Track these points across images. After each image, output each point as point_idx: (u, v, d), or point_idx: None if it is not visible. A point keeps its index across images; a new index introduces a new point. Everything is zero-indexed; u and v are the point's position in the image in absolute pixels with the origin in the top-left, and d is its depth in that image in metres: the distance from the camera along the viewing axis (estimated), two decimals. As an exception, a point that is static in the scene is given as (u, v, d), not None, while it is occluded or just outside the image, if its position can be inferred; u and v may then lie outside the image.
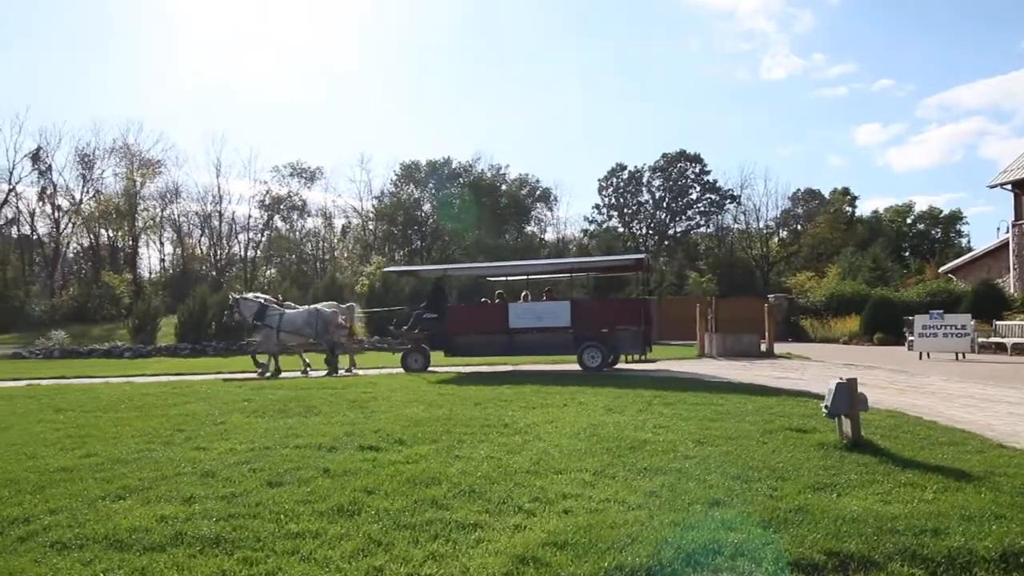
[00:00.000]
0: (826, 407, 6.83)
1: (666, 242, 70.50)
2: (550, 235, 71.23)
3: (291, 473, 5.74)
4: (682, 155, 69.69)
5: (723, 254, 65.38)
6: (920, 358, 17.45)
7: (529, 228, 71.54)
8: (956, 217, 64.30)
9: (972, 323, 17.53)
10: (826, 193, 68.27)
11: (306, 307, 17.95)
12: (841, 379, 6.79)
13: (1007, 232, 28.65)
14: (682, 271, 45.00)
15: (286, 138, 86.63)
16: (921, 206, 66.75)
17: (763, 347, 18.64)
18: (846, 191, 67.52)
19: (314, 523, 4.52)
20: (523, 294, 18.50)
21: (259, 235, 63.71)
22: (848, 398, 6.67)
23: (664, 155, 69.62)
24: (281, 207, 64.06)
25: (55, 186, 51.76)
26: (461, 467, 5.89)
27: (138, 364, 22.35)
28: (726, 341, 18.34)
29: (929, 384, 12.19)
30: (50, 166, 50.92)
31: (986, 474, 5.69)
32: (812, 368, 15.56)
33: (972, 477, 5.58)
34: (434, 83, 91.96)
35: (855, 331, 25.46)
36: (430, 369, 16.41)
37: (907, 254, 62.66)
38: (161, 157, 56.56)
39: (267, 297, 18.10)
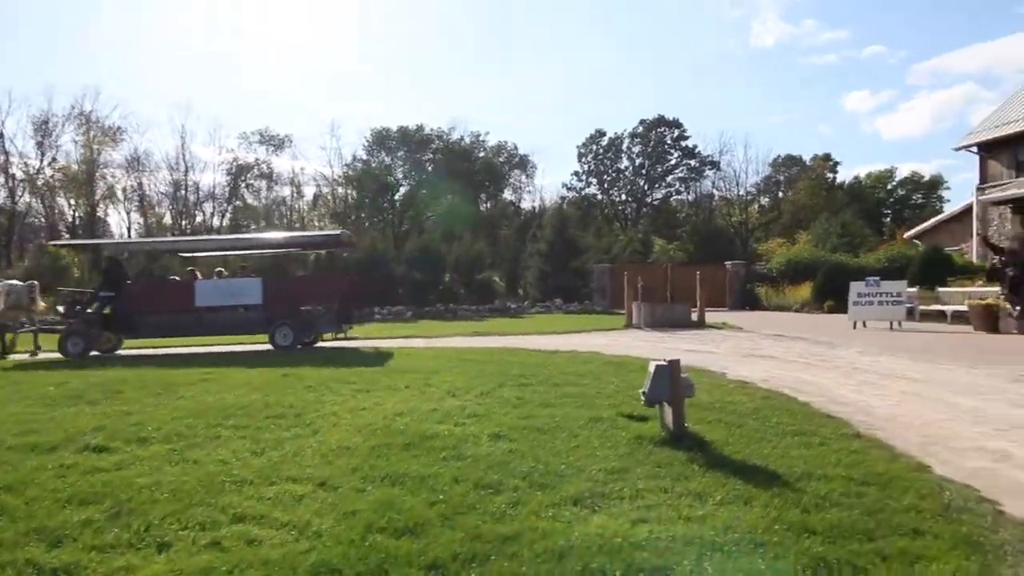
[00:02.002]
0: (644, 393, 5.80)
1: (644, 209, 69.37)
2: (527, 203, 70.02)
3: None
4: (660, 121, 68.27)
5: (701, 221, 64.21)
6: (854, 327, 16.46)
7: (507, 195, 70.36)
8: (937, 183, 63.24)
9: (912, 290, 16.52)
10: (808, 160, 67.01)
11: None
12: (663, 361, 5.75)
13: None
14: (647, 237, 43.79)
15: (253, 105, 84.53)
16: (904, 172, 65.52)
17: (695, 316, 17.64)
18: (827, 157, 66.25)
19: None
20: (216, 270, 17.51)
21: (225, 204, 62.33)
22: (669, 383, 5.64)
23: (642, 121, 68.16)
24: (248, 175, 62.62)
25: (7, 154, 50.12)
26: (176, 473, 4.87)
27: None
28: (655, 311, 17.30)
29: (842, 357, 11.21)
30: (1, 133, 49.20)
31: (798, 477, 4.70)
32: (733, 340, 14.56)
33: (778, 482, 4.59)
34: (409, 48, 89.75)
35: (808, 299, 24.50)
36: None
37: (887, 220, 61.67)
38: (122, 124, 54.83)
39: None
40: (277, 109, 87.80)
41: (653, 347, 13.28)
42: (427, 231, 47.63)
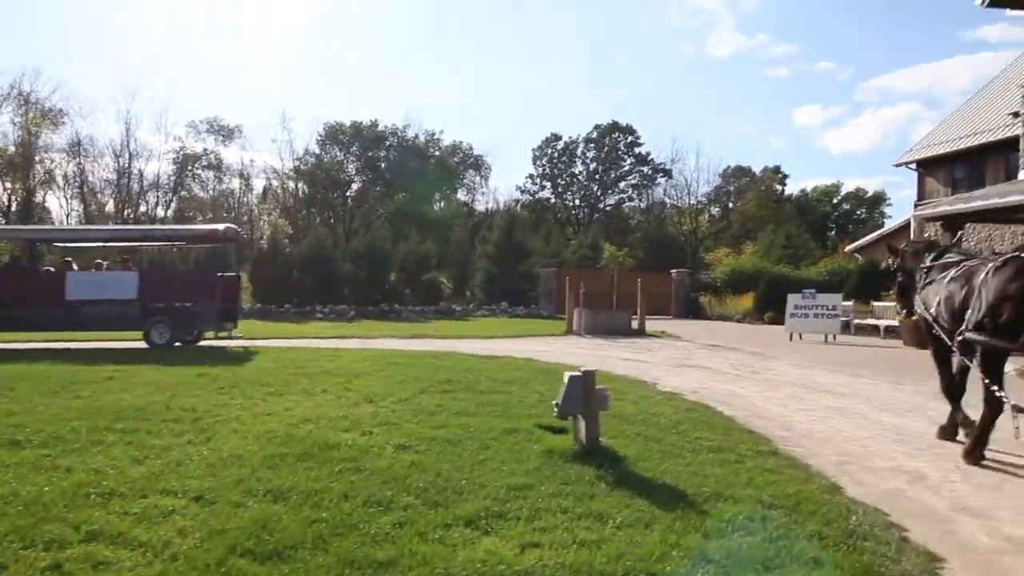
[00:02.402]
0: (557, 405, 5.58)
1: (597, 214, 69.69)
2: (481, 204, 69.76)
3: None
4: (615, 127, 68.73)
5: (653, 229, 64.71)
6: (791, 339, 16.60)
7: (461, 196, 69.96)
8: (880, 198, 64.89)
9: (847, 304, 16.73)
10: (758, 171, 68.15)
11: None
12: (577, 372, 5.53)
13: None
14: (596, 242, 43.84)
15: (202, 94, 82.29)
16: (850, 187, 67.11)
17: (635, 324, 17.58)
18: (777, 169, 67.47)
19: None
20: (95, 262, 16.89)
21: (171, 194, 60.63)
22: (582, 395, 5.42)
23: (596, 126, 68.52)
24: (196, 165, 61.01)
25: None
26: (39, 483, 4.47)
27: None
28: (595, 318, 17.19)
29: (772, 369, 11.21)
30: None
31: (707, 498, 4.52)
32: (670, 349, 14.52)
33: (685, 503, 4.39)
34: (364, 43, 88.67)
35: (749, 309, 24.75)
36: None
37: (832, 233, 63.00)
38: (63, 107, 52.83)
39: None
40: (228, 98, 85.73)
41: (588, 354, 13.13)
42: (378, 228, 46.91)
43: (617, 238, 60.30)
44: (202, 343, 14.90)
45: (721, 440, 6.23)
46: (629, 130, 68.25)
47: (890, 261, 7.82)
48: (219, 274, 15.34)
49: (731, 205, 67.72)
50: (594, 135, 68.92)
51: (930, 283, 6.77)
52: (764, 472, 5.22)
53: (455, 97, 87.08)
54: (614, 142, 69.05)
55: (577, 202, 70.82)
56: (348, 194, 63.34)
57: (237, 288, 16.45)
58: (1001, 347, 5.70)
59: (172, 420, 6.30)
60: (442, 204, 66.72)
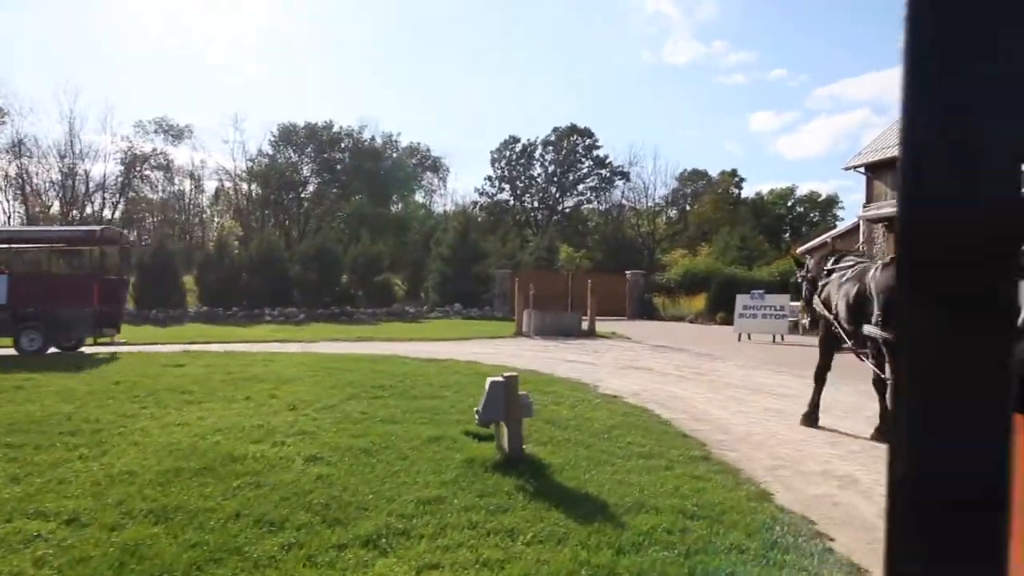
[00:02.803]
0: (477, 412, 5.30)
1: (556, 216, 69.67)
2: (439, 206, 69.30)
3: None
4: (573, 129, 68.82)
5: (611, 230, 64.93)
6: (739, 339, 16.59)
7: (418, 198, 69.40)
8: (833, 201, 65.95)
9: (795, 304, 16.77)
10: (715, 175, 68.84)
11: None
12: (501, 377, 5.26)
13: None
14: (552, 244, 43.77)
15: (150, 93, 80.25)
16: (804, 191, 68.13)
17: (585, 326, 17.41)
18: (734, 172, 68.24)
19: None
20: None
21: (118, 195, 58.99)
22: (504, 401, 5.15)
23: (555, 129, 68.52)
24: (144, 166, 59.46)
25: None
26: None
27: None
28: (545, 319, 16.96)
29: (717, 371, 11.08)
30: None
31: (628, 509, 4.28)
32: (618, 351, 14.34)
33: (604, 515, 4.15)
34: (318, 44, 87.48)
35: (702, 310, 24.81)
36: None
37: (787, 235, 63.88)
38: (2, 105, 51.06)
39: None
40: (178, 98, 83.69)
41: (534, 356, 12.88)
42: (329, 231, 46.16)
43: (576, 240, 60.46)
44: (140, 347, 14.32)
45: (653, 445, 6.02)
46: (587, 133, 68.39)
47: (798, 273, 8.27)
48: (99, 278, 14.48)
49: (688, 208, 68.28)
50: (552, 138, 68.89)
51: (827, 285, 7.34)
52: (692, 479, 5.01)
53: (413, 99, 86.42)
54: (572, 145, 69.10)
55: (536, 204, 70.71)
56: (303, 196, 62.44)
57: (120, 292, 15.62)
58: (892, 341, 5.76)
59: (69, 433, 5.86)
60: (400, 206, 66.14)
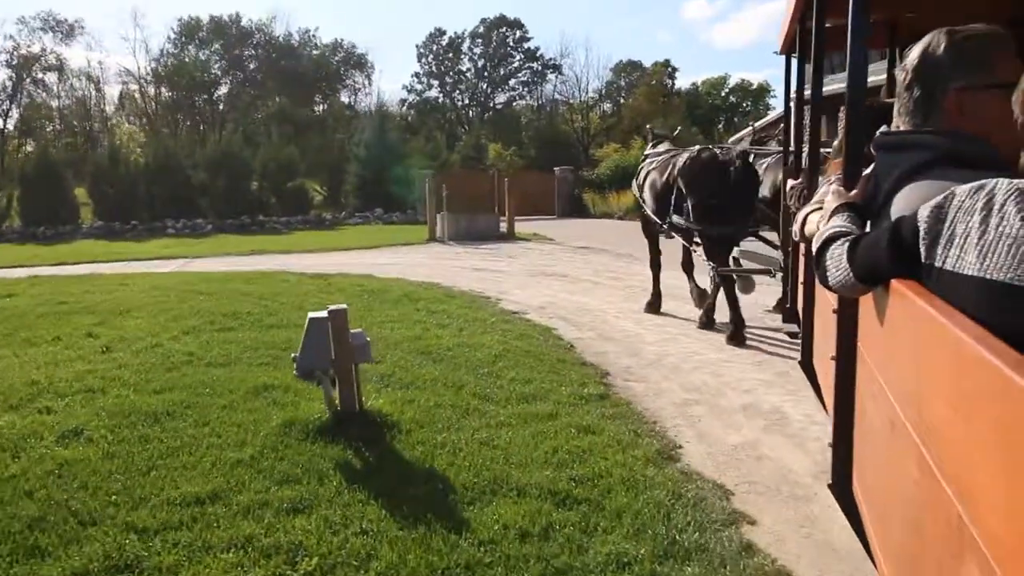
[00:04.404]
0: (295, 359, 4.00)
1: (488, 114, 67.01)
2: (365, 106, 65.65)
3: None
4: (502, 20, 65.45)
5: (544, 127, 62.79)
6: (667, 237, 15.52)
7: (343, 98, 65.50)
8: (765, 90, 64.73)
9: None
10: (648, 66, 66.69)
11: None
12: (326, 310, 3.92)
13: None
14: (479, 142, 41.79)
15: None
16: (736, 80, 66.71)
17: (504, 228, 16.09)
18: (667, 63, 66.05)
19: None
20: None
21: (8, 103, 53.92)
22: (327, 345, 3.84)
23: (483, 20, 65.07)
24: (35, 68, 54.22)
25: None
26: None
27: None
28: (460, 222, 15.55)
29: (636, 275, 9.91)
30: None
31: (482, 490, 3.11)
32: (534, 254, 13.08)
33: (443, 507, 2.97)
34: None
35: (631, 206, 23.67)
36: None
37: (720, 126, 62.85)
38: None
39: None
40: (72, -7, 75.92)
41: (438, 264, 11.57)
42: (248, 135, 42.97)
43: (510, 137, 58.29)
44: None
45: (542, 381, 4.85)
46: (517, 24, 65.22)
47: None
48: None
49: (622, 101, 66.36)
50: (481, 30, 65.44)
51: (641, 171, 7.57)
52: (579, 433, 3.86)
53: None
54: (502, 37, 65.78)
55: (466, 101, 67.80)
56: (216, 98, 58.25)
57: None
58: (695, 230, 6.39)
59: None
60: (324, 107, 62.48)
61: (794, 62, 4.95)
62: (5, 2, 78.45)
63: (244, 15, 57.46)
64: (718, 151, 6.49)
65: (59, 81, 55.75)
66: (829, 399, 2.22)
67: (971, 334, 0.88)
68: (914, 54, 1.56)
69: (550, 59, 64.47)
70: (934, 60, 1.51)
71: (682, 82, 66.50)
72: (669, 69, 66.10)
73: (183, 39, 56.06)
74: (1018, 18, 2.84)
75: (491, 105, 67.71)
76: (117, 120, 59.47)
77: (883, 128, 1.68)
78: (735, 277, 6.14)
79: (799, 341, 3.58)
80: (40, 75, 55.12)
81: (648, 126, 10.37)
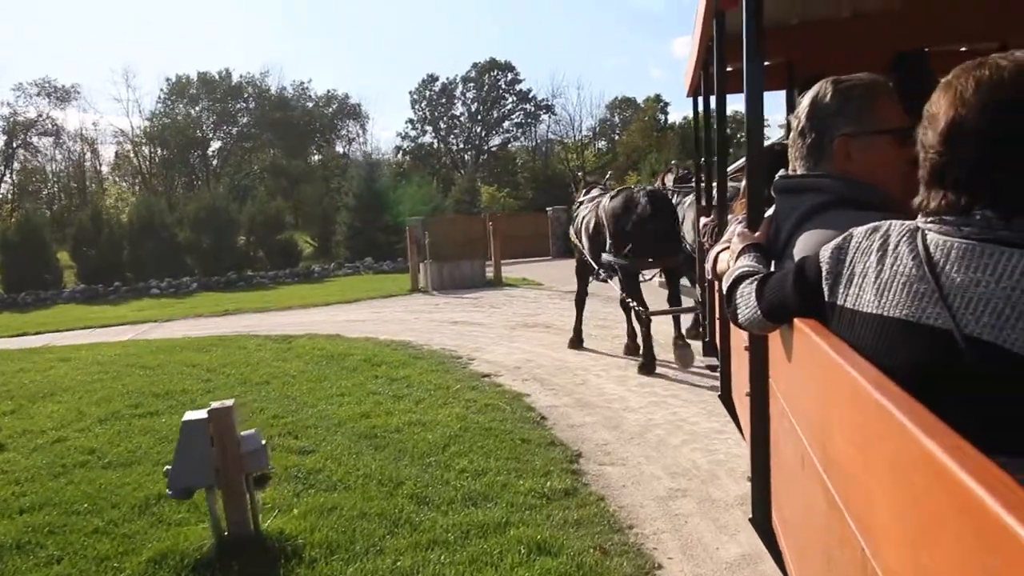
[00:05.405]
0: (167, 475, 3.17)
1: (483, 157, 66.88)
2: (358, 154, 65.63)
3: None
4: (493, 64, 65.73)
5: (540, 167, 62.53)
6: (661, 275, 14.76)
7: (338, 148, 65.41)
8: (759, 120, 64.86)
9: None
10: (641, 101, 66.76)
11: None
12: (202, 413, 3.10)
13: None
14: (473, 186, 41.32)
15: (28, 53, 73.44)
16: (729, 112, 66.66)
17: (490, 274, 15.31)
18: (658, 98, 66.25)
19: None
20: None
21: (2, 167, 53.97)
22: (208, 456, 3.03)
23: (475, 64, 65.37)
24: (30, 132, 54.39)
25: None
26: None
27: None
28: (443, 271, 14.78)
29: (598, 313, 9.11)
30: None
31: None
32: (519, 303, 12.24)
33: None
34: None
35: (627, 245, 22.97)
36: None
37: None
38: None
39: None
40: (59, 56, 76.58)
41: (415, 320, 10.75)
42: (219, 191, 42.51)
43: (506, 180, 57.94)
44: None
45: (498, 471, 4.02)
46: (508, 67, 65.43)
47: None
48: None
49: (616, 137, 66.25)
50: (473, 74, 65.69)
51: (576, 217, 7.94)
52: (530, 557, 3.02)
53: (323, 43, 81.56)
54: (494, 80, 66.02)
55: (461, 145, 67.76)
56: (210, 153, 58.27)
57: None
58: (625, 267, 6.56)
59: None
60: (317, 158, 62.40)
61: (700, 102, 5.10)
62: (3, 68, 79.56)
63: (235, 70, 57.30)
64: (635, 189, 6.94)
65: (55, 145, 55.94)
66: (747, 433, 2.19)
67: (866, 376, 0.89)
68: (805, 102, 1.61)
69: (543, 100, 64.65)
70: (822, 108, 1.57)
71: (675, 116, 66.46)
72: (661, 104, 66.22)
73: (172, 98, 56.17)
74: (902, 58, 2.77)
75: (486, 148, 67.64)
76: (113, 180, 59.49)
77: (781, 172, 1.74)
78: (674, 348, 6.50)
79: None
80: (33, 139, 55.36)
81: (579, 174, 10.82)
